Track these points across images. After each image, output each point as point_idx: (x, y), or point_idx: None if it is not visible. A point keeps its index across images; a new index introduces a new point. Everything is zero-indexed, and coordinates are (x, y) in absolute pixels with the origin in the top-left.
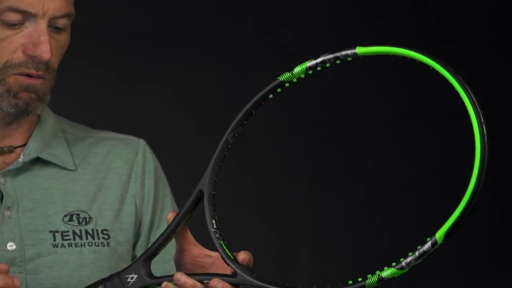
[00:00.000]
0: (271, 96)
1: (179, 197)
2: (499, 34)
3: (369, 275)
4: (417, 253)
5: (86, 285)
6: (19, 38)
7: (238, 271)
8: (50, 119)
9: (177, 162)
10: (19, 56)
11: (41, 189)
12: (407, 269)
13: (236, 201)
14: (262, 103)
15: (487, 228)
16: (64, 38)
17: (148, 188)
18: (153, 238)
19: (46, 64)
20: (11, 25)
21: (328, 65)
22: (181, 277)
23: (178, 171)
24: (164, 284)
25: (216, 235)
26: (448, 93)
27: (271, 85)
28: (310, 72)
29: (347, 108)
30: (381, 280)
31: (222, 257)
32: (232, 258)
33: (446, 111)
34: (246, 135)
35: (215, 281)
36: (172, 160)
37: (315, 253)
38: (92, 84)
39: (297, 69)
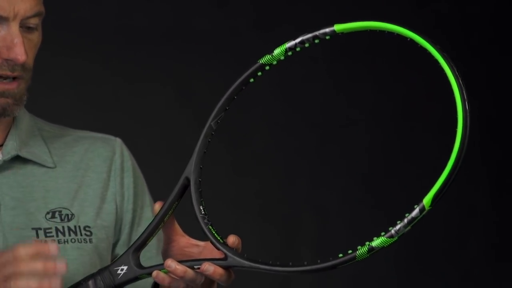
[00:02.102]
0: (252, 80)
1: None
2: (499, 33)
3: (359, 247)
4: (405, 220)
5: (69, 281)
6: None
7: (229, 253)
8: (25, 119)
9: (177, 162)
10: None
11: (21, 187)
12: (396, 237)
13: (237, 200)
14: (244, 88)
15: (487, 228)
16: (36, 37)
17: (127, 186)
18: (135, 236)
19: (22, 65)
20: None
21: (307, 45)
22: (171, 263)
23: (177, 171)
24: (154, 273)
25: (205, 221)
26: (447, 91)
27: (252, 69)
28: (290, 53)
29: (347, 108)
30: (371, 249)
31: (211, 242)
32: (222, 241)
33: (446, 109)
34: (246, 135)
35: (206, 265)
36: (172, 160)
37: (315, 251)
38: (91, 82)
39: (277, 51)
